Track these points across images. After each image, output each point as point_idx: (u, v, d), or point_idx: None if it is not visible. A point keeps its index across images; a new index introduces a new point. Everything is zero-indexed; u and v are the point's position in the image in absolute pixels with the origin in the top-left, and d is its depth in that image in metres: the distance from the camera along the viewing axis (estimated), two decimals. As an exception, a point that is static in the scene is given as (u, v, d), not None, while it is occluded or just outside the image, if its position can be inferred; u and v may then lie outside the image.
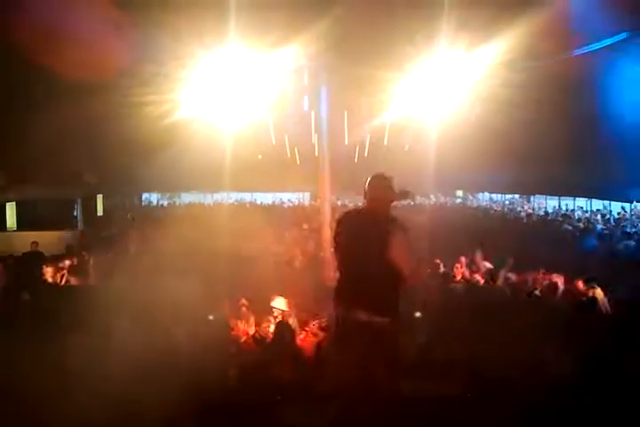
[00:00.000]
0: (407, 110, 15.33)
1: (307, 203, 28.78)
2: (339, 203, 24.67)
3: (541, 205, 26.63)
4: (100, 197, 22.80)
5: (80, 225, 18.76)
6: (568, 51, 10.22)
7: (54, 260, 10.97)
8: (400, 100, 13.50)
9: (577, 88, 11.80)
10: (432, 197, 30.80)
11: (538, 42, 9.11)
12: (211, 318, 7.26)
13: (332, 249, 4.42)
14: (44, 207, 18.70)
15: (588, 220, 18.91)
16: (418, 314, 6.93)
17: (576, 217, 20.11)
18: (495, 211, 25.92)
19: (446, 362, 5.99)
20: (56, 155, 12.91)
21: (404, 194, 4.31)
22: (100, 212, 22.72)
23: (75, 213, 21.02)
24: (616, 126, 11.86)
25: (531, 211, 24.51)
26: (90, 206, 21.80)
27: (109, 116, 12.13)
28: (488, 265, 9.98)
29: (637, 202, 19.41)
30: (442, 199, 30.96)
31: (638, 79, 11.44)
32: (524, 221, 20.52)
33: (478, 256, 10.26)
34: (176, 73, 11.47)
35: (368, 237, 4.02)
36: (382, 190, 4.17)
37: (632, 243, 12.71)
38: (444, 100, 12.34)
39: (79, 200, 20.93)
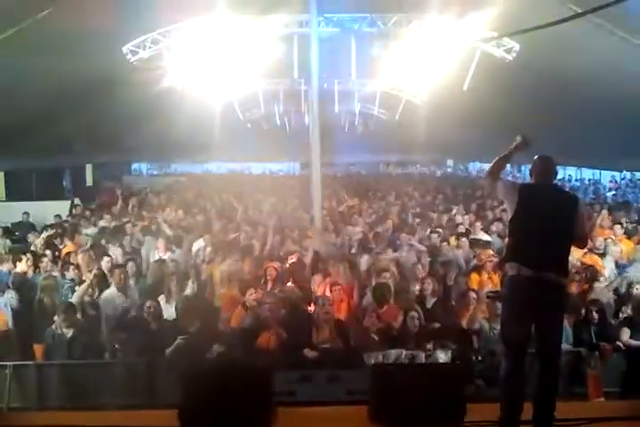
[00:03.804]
0: (398, 79, 15.19)
1: (297, 173, 28.65)
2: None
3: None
4: (89, 167, 22.57)
5: (70, 195, 18.61)
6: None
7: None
8: (390, 69, 13.35)
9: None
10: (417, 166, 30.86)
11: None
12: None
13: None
14: (33, 177, 18.49)
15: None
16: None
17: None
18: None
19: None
20: (44, 124, 12.69)
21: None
22: (89, 182, 22.54)
23: (64, 184, 20.84)
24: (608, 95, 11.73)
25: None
26: (79, 176, 21.63)
27: (99, 85, 11.93)
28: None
29: (627, 171, 19.45)
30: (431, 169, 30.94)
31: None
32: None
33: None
34: (163, 40, 11.30)
35: (555, 205, 4.64)
36: (554, 168, 4.95)
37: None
38: (434, 69, 12.21)
39: (68, 170, 20.75)
